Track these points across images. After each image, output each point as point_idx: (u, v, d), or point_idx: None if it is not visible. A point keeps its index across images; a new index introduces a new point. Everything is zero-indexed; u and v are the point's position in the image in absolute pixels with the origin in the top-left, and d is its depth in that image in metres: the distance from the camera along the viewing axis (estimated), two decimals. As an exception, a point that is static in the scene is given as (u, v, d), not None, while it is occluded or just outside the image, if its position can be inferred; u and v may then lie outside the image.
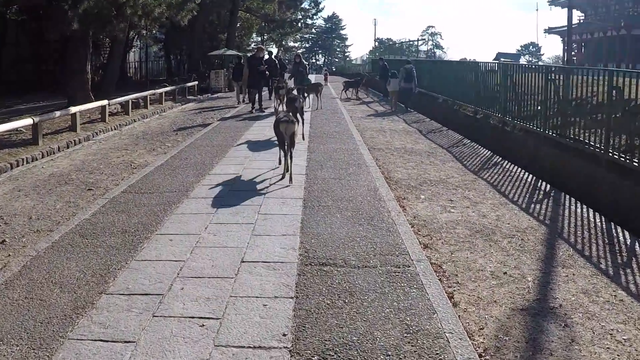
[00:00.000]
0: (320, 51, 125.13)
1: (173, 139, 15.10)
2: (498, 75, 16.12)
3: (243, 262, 5.76)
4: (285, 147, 9.49)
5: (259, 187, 9.08)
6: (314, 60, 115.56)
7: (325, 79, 43.36)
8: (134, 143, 14.77)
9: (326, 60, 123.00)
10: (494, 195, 9.08)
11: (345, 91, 30.14)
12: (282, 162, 10.10)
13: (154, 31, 45.57)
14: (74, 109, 16.77)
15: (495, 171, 11.04)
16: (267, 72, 20.78)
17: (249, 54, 28.10)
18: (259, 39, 72.15)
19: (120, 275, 5.46)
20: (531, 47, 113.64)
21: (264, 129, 15.83)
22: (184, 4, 21.25)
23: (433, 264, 5.92)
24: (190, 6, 21.44)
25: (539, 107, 13.22)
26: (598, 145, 9.85)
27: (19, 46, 30.47)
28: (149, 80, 36.37)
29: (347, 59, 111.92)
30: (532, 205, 8.53)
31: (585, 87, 11.03)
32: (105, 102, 19.18)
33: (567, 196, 9.06)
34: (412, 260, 5.82)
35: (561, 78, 12.03)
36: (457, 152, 13.25)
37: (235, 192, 8.71)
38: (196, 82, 32.44)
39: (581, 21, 52.12)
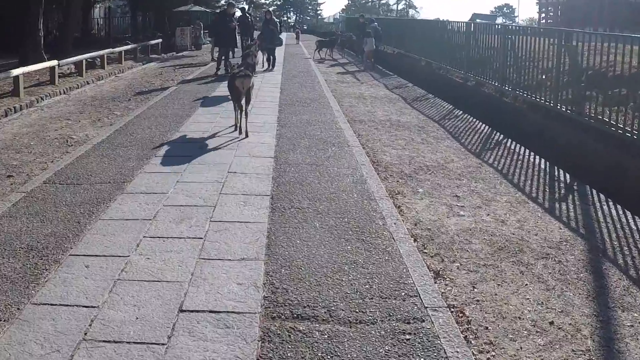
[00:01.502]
0: (292, 9, 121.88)
1: (124, 106, 13.14)
2: (495, 39, 14.34)
3: (182, 311, 3.97)
4: (242, 103, 9.44)
5: (215, 176, 7.24)
6: (285, 18, 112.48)
7: (297, 38, 41.18)
8: (79, 111, 12.80)
9: (298, 18, 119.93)
10: (507, 188, 7.38)
11: (319, 51, 28.05)
12: (239, 122, 9.76)
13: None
14: (16, 72, 14.68)
15: (500, 154, 9.33)
16: (237, 31, 18.79)
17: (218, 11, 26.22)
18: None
19: (-7, 338, 3.65)
20: (505, 8, 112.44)
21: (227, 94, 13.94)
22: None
23: (453, 309, 4.19)
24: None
25: (545, 77, 11.58)
26: (629, 129, 8.17)
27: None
28: (112, 38, 34.08)
29: (320, 17, 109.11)
30: (557, 205, 6.84)
31: (607, 55, 9.36)
32: (54, 62, 17.08)
33: (594, 190, 7.39)
34: (425, 308, 4.08)
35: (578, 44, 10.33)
36: (451, 126, 11.49)
37: (184, 185, 6.84)
38: (160, 40, 30.12)
39: (557, -18, 50.33)
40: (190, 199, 6.33)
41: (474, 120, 12.18)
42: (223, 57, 18.33)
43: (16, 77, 14.51)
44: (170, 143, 8.97)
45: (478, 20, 66.51)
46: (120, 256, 4.84)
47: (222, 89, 14.64)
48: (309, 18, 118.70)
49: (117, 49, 23.30)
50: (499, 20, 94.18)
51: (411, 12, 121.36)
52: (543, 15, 53.55)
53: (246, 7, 66.14)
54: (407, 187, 7.24)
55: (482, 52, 15.34)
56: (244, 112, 9.48)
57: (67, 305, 4.04)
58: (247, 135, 9.36)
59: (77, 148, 9.02)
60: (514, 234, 5.76)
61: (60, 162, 8.11)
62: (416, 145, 9.55)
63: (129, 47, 25.19)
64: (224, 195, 6.44)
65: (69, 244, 5.12)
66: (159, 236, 5.29)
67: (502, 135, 10.65)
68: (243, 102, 9.46)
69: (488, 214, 6.35)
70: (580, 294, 4.54)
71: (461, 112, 13.11)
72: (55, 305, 4.06)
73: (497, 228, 5.93)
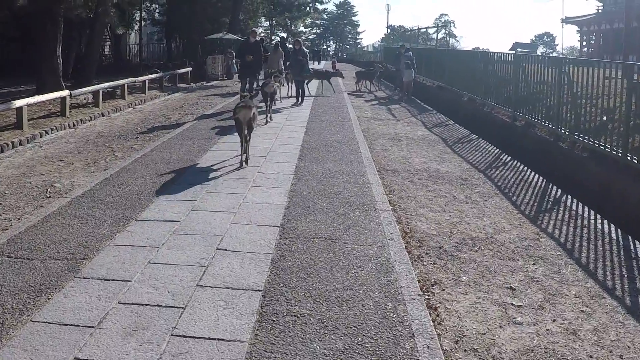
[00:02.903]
0: (331, 38, 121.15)
1: (128, 146, 11.73)
2: (547, 71, 12.64)
3: None
4: (245, 133, 9.43)
5: (199, 254, 5.64)
6: (325, 47, 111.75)
7: (333, 68, 39.67)
8: (78, 150, 11.44)
9: (337, 47, 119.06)
10: (574, 273, 5.67)
11: (358, 83, 26.23)
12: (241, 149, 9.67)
13: (154, 8, 42.57)
14: (19, 103, 13.52)
15: (560, 217, 7.59)
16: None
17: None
18: (267, 23, 68.81)
19: None
20: (545, 37, 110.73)
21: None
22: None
23: None
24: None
25: (607, 118, 9.91)
26: None
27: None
28: (142, 66, 33.09)
29: (359, 46, 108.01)
30: (645, 304, 5.10)
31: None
32: (65, 92, 15.93)
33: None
34: None
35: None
36: (499, 177, 9.78)
37: (155, 269, 5.23)
38: (189, 69, 28.92)
39: (599, 11, 48.31)
40: (155, 292, 4.73)
41: (525, 169, 10.45)
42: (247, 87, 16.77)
43: (19, 109, 13.29)
44: (160, 201, 7.41)
45: (519, 50, 64.64)
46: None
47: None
48: (348, 47, 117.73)
49: (140, 79, 22.12)
50: (540, 49, 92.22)
51: (451, 41, 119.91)
52: (585, 43, 51.74)
53: (284, 35, 65.37)
54: (447, 272, 5.56)
55: (532, 88, 13.64)
56: (245, 140, 9.52)
57: None
58: (246, 164, 9.53)
59: (53, 202, 7.57)
60: (591, 357, 4.07)
61: (25, 222, 6.67)
62: (459, 206, 7.87)
63: (153, 76, 23.97)
64: (201, 288, 4.82)
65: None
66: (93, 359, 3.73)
67: (559, 191, 8.93)
68: (246, 132, 9.42)
69: (554, 320, 4.66)
70: None
71: (509, 157, 11.40)
72: None
73: (568, 346, 4.24)
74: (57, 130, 13.94)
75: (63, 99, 15.69)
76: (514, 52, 58.57)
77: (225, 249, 5.70)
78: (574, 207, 8.10)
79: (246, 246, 5.80)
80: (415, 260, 5.79)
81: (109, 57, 38.76)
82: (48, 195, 8.11)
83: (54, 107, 16.05)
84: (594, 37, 49.89)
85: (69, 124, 14.67)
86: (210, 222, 6.54)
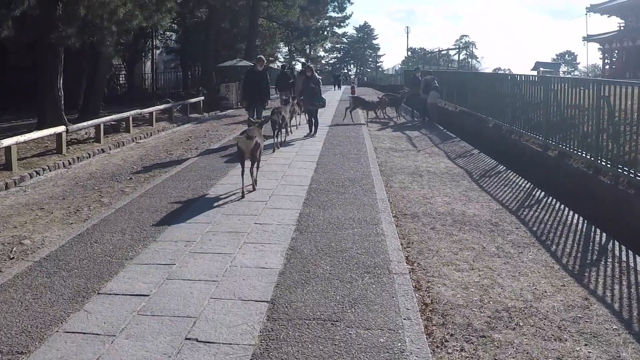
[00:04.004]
0: (352, 61, 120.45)
1: (119, 189, 10.65)
2: (581, 94, 11.41)
3: None
4: (246, 163, 9.36)
5: (161, 348, 4.45)
6: (345, 71, 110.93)
7: (353, 93, 38.49)
8: (63, 195, 10.37)
9: (358, 71, 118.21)
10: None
11: (382, 111, 24.22)
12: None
13: (167, 36, 41.84)
14: (6, 142, 12.51)
15: (610, 273, 6.31)
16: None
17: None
18: (286, 48, 68.09)
19: None
20: (567, 55, 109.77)
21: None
22: (161, 3, 16.52)
23: None
24: (169, 5, 16.73)
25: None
26: None
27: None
28: (155, 95, 32.27)
29: (380, 69, 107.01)
30: None
31: None
32: (61, 128, 14.94)
33: None
34: None
35: None
36: (533, 220, 8.51)
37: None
38: (202, 98, 27.92)
39: (621, 28, 47.02)
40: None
41: (562, 208, 9.19)
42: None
43: (7, 148, 12.29)
44: (133, 265, 6.24)
45: (542, 70, 63.33)
46: None
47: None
48: (369, 70, 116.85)
49: (147, 110, 21.14)
50: (563, 68, 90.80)
51: (472, 62, 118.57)
52: (607, 61, 50.49)
53: (304, 60, 64.53)
54: (479, 368, 4.33)
55: (565, 113, 12.35)
56: (249, 170, 9.47)
57: None
58: (253, 188, 9.68)
59: (14, 266, 6.50)
60: None
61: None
62: (489, 261, 6.62)
63: (161, 107, 23.00)
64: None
65: None
66: None
67: (605, 236, 7.66)
68: (248, 162, 9.37)
69: None
70: None
71: (543, 193, 10.13)
72: None
73: None
74: (50, 170, 12.93)
75: (59, 135, 14.72)
76: (536, 72, 57.41)
77: (196, 339, 4.50)
78: (623, 258, 6.83)
79: (223, 334, 4.59)
80: (437, 347, 4.56)
81: (124, 86, 38.11)
82: (11, 257, 6.99)
83: (52, 143, 15.10)
84: (616, 55, 48.61)
85: (63, 163, 13.66)
86: (185, 295, 5.35)
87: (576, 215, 8.72)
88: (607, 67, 50.42)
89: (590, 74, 66.94)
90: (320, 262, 6.19)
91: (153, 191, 9.85)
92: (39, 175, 12.45)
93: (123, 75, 38.44)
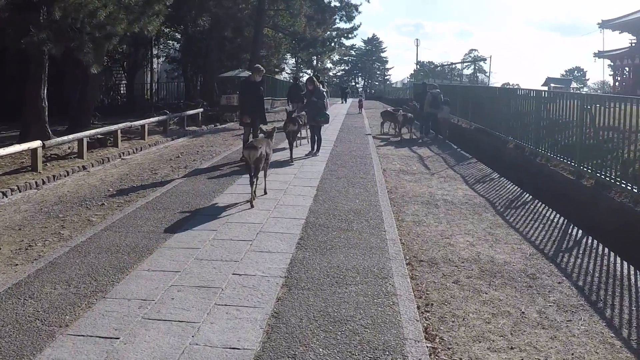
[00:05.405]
0: (359, 74, 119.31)
1: (85, 218, 9.15)
2: (618, 113, 9.90)
3: None
4: (253, 173, 9.30)
5: None
6: (353, 84, 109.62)
7: (360, 107, 37.02)
8: (20, 225, 8.92)
9: (366, 83, 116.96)
10: None
11: (400, 128, 22.23)
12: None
13: (169, 45, 40.44)
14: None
15: None
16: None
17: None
18: (293, 60, 66.78)
19: None
20: (576, 72, 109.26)
21: (240, 198, 9.76)
22: (148, 6, 14.98)
23: None
24: (157, 8, 15.18)
25: None
26: None
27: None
28: (154, 106, 30.87)
29: (388, 82, 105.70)
30: None
31: None
32: (36, 143, 13.46)
33: None
34: None
35: None
36: (577, 270, 6.95)
37: None
38: (200, 110, 26.42)
39: (632, 44, 45.72)
40: None
41: (607, 253, 7.63)
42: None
43: (-28, 169, 10.86)
44: (61, 342, 4.67)
45: (552, 85, 61.79)
46: None
47: (237, 188, 10.57)
48: (377, 83, 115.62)
49: (138, 122, 19.69)
50: (574, 84, 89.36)
51: (480, 76, 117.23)
52: (618, 77, 49.15)
53: (311, 72, 63.17)
54: None
55: (601, 135, 10.81)
56: (254, 180, 9.40)
57: None
58: (265, 191, 10.17)
59: None
60: None
61: None
62: (532, 335, 5.07)
63: (153, 119, 21.56)
64: None
65: None
66: None
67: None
68: (253, 173, 9.29)
69: None
70: None
71: (581, 232, 8.57)
72: None
73: None
74: (19, 191, 11.50)
75: (34, 150, 13.24)
76: (546, 87, 55.91)
77: None
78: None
79: None
80: None
81: (124, 96, 36.77)
82: None
83: (29, 159, 13.63)
84: (627, 71, 47.30)
85: (36, 182, 12.22)
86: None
87: (626, 265, 7.17)
88: (617, 83, 49.17)
89: (599, 91, 65.47)
90: (311, 342, 4.59)
91: (121, 223, 8.29)
92: (5, 197, 11.02)
93: (124, 86, 37.07)
